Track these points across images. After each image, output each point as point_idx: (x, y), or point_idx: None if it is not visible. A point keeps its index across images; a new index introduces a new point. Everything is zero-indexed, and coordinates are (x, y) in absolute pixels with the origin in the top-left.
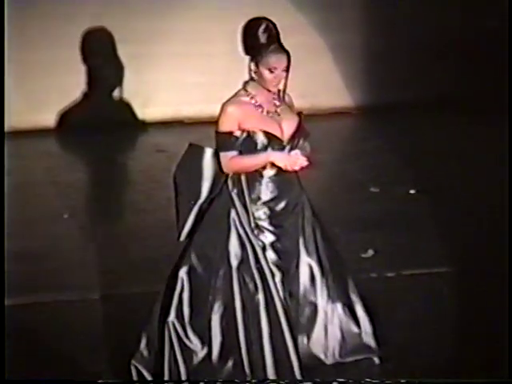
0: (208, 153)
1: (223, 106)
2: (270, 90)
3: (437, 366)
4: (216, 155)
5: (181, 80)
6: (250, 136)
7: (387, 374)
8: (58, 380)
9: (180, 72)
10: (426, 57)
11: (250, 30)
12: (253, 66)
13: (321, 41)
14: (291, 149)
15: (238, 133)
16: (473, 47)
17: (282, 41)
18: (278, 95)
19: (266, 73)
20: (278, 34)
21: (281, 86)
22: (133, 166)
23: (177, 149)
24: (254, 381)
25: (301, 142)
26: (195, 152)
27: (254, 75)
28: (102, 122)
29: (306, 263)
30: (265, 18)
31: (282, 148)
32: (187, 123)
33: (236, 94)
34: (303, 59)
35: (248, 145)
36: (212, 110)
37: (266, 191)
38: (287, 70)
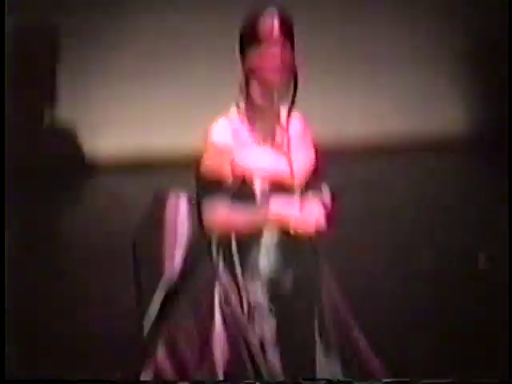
0: (183, 204)
1: (207, 134)
2: (266, 108)
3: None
4: (195, 207)
5: (143, 105)
6: (246, 178)
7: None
8: (58, 380)
9: (143, 94)
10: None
11: (250, 20)
12: (242, 77)
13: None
14: (303, 195)
15: (228, 173)
16: None
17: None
18: (284, 118)
19: (255, 85)
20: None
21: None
22: (68, 224)
23: (136, 199)
24: (252, 381)
25: (316, 187)
26: (163, 203)
27: (244, 86)
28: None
29: (325, 371)
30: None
31: (290, 193)
32: (152, 163)
33: (226, 117)
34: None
35: (242, 190)
36: (188, 143)
37: (265, 261)
38: (290, 61)
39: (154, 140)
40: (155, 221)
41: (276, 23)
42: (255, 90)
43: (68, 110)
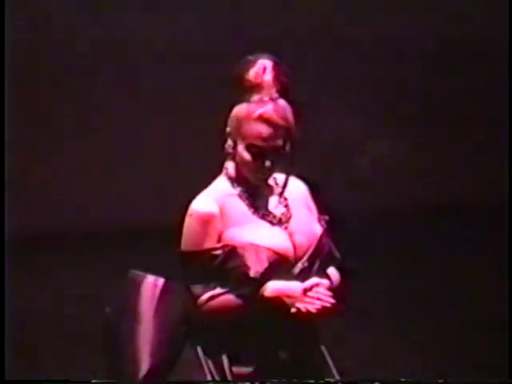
0: (157, 288)
1: (191, 204)
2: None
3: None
4: (178, 294)
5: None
6: (238, 255)
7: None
8: (58, 380)
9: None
10: None
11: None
12: (229, 141)
13: None
14: (306, 274)
15: (218, 251)
16: None
17: None
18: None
19: (244, 153)
20: (280, 79)
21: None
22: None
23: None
24: (252, 380)
25: (322, 266)
26: (138, 287)
27: (231, 151)
28: None
29: None
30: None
31: (291, 273)
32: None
33: (214, 185)
34: None
35: (232, 266)
36: (165, 216)
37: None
38: (285, 141)
39: (128, 213)
40: (130, 307)
41: (269, 73)
42: (244, 156)
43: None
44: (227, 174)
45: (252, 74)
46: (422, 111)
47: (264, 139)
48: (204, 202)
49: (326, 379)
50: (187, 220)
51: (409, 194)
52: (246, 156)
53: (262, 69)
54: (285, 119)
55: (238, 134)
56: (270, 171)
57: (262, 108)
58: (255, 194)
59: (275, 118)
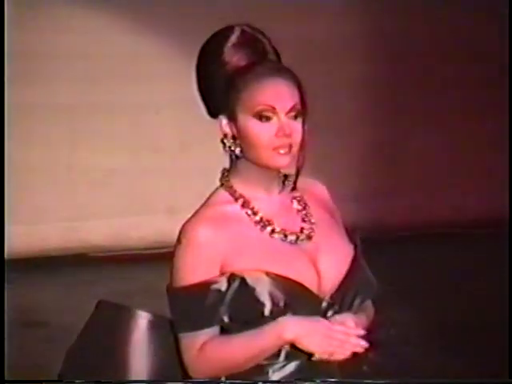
0: (142, 325)
1: (184, 227)
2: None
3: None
4: (169, 337)
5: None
6: (248, 288)
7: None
8: (58, 380)
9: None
10: None
11: (211, 46)
12: (225, 124)
13: None
14: (335, 312)
15: (221, 283)
16: None
17: None
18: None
19: (253, 128)
20: (265, 48)
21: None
22: None
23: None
24: (251, 380)
25: (357, 299)
26: (112, 321)
27: (236, 150)
28: None
29: None
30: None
31: (316, 310)
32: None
33: (210, 200)
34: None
35: (241, 309)
36: (150, 235)
37: None
38: (297, 115)
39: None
40: (100, 346)
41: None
42: (249, 170)
43: None
44: (230, 184)
45: (230, 45)
46: None
47: (276, 98)
48: (202, 227)
49: (327, 379)
50: (177, 248)
51: None
52: (255, 129)
53: (242, 38)
54: (294, 81)
55: (237, 103)
56: (291, 147)
57: (265, 66)
58: (267, 208)
59: (285, 75)
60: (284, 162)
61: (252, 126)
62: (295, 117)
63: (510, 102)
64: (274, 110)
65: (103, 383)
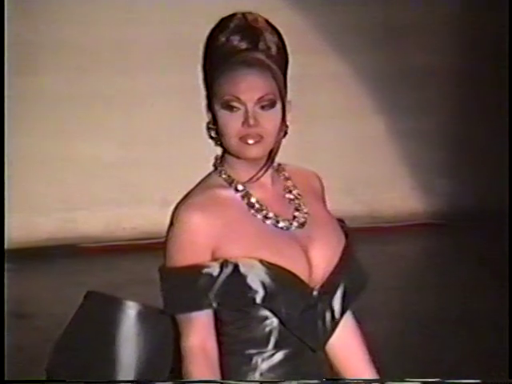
0: (131, 315)
1: (177, 210)
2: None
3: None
4: (154, 323)
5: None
6: (241, 275)
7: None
8: (58, 380)
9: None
10: None
11: (212, 35)
12: (206, 112)
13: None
14: (325, 302)
15: (213, 268)
16: None
17: None
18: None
19: (222, 118)
20: (258, 37)
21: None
22: None
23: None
24: (252, 381)
25: (348, 290)
26: (100, 311)
27: (216, 138)
28: None
29: None
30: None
31: (306, 300)
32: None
33: (203, 183)
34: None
35: (232, 295)
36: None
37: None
38: (269, 104)
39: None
40: (91, 337)
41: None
42: (233, 159)
43: None
44: (224, 169)
45: (226, 33)
46: None
47: (242, 89)
48: (194, 211)
49: (327, 379)
50: (169, 230)
51: None
52: (223, 117)
53: (238, 26)
54: (269, 70)
55: (212, 86)
56: (258, 139)
57: (242, 55)
58: (257, 190)
59: (258, 64)
60: (253, 152)
61: (221, 115)
62: (269, 106)
63: (509, 102)
64: (239, 100)
65: (103, 383)
